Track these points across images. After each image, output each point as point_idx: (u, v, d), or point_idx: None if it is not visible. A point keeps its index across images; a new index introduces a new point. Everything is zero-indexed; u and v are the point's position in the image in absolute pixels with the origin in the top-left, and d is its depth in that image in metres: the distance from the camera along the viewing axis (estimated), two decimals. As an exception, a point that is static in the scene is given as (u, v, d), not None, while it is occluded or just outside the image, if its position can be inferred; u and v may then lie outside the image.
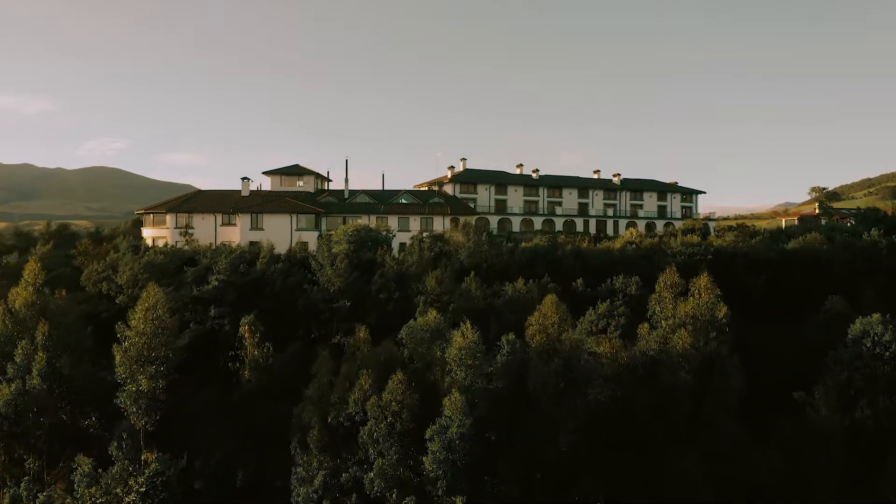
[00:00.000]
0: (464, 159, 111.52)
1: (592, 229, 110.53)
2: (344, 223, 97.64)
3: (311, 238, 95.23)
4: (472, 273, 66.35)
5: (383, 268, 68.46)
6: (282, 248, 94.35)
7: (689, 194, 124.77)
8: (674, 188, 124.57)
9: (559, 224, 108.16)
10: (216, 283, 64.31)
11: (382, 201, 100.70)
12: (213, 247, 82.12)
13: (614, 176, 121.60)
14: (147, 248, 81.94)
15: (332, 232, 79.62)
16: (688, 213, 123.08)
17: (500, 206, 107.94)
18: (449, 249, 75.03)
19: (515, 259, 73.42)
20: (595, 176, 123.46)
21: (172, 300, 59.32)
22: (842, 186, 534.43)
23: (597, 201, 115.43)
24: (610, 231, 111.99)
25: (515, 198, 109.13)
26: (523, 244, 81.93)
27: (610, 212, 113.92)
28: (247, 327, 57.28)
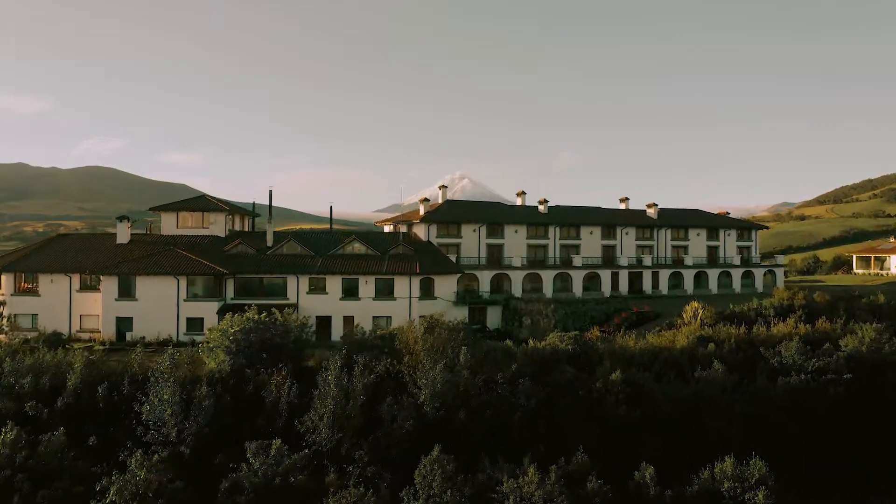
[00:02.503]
0: (443, 187, 76.53)
1: (623, 286, 75.37)
2: (261, 287, 62.67)
3: (208, 312, 60.52)
4: (437, 449, 32.10)
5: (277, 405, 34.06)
6: (164, 327, 59.99)
7: (746, 230, 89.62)
8: (726, 221, 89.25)
9: (578, 281, 73.00)
10: None
11: (322, 250, 65.70)
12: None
13: (648, 207, 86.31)
14: None
15: (210, 334, 44.80)
16: (745, 255, 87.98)
17: (495, 255, 72.85)
18: (401, 374, 40.10)
19: (518, 397, 38.48)
20: (622, 206, 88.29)
21: None
22: (843, 187, 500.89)
23: (627, 243, 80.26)
24: (646, 286, 76.84)
25: (516, 241, 73.93)
26: (531, 343, 47.44)
27: (646, 258, 78.57)
28: None
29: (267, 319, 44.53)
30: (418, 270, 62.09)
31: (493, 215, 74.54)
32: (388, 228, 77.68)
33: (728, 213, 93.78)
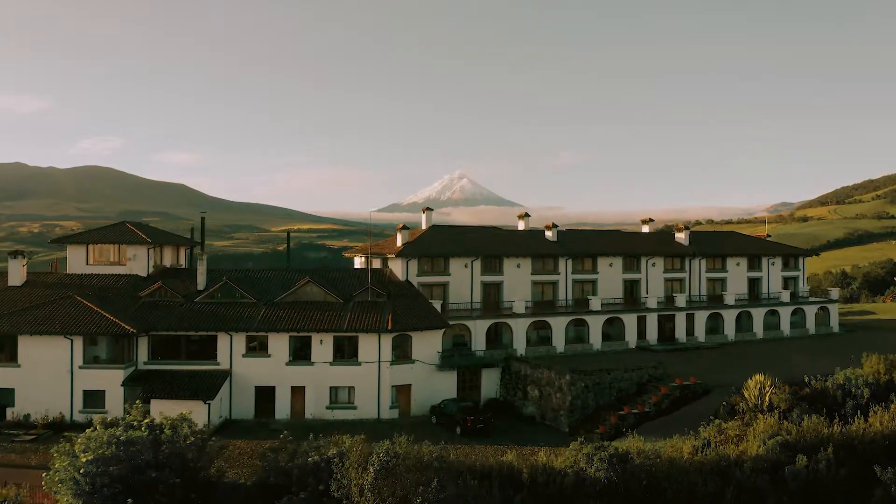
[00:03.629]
0: (428, 209, 60.11)
1: (650, 332, 59.33)
2: (185, 347, 46.90)
3: (112, 383, 44.87)
4: None
5: None
6: (55, 402, 44.55)
7: (793, 257, 73.55)
8: (769, 247, 73.10)
9: (595, 328, 56.91)
10: None
11: (267, 296, 49.72)
12: None
13: (678, 230, 70.01)
14: None
15: (56, 457, 28.85)
16: (792, 287, 71.96)
17: (492, 297, 56.73)
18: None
19: None
20: (646, 229, 72.06)
21: None
22: (844, 188, 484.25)
23: (654, 276, 64.19)
24: (679, 331, 60.77)
25: (518, 278, 57.79)
26: (541, 458, 31.84)
27: (679, 297, 62.26)
28: None
29: (144, 434, 28.53)
30: (391, 326, 46.00)
31: (490, 245, 58.32)
32: (359, 262, 61.48)
33: (768, 236, 77.56)
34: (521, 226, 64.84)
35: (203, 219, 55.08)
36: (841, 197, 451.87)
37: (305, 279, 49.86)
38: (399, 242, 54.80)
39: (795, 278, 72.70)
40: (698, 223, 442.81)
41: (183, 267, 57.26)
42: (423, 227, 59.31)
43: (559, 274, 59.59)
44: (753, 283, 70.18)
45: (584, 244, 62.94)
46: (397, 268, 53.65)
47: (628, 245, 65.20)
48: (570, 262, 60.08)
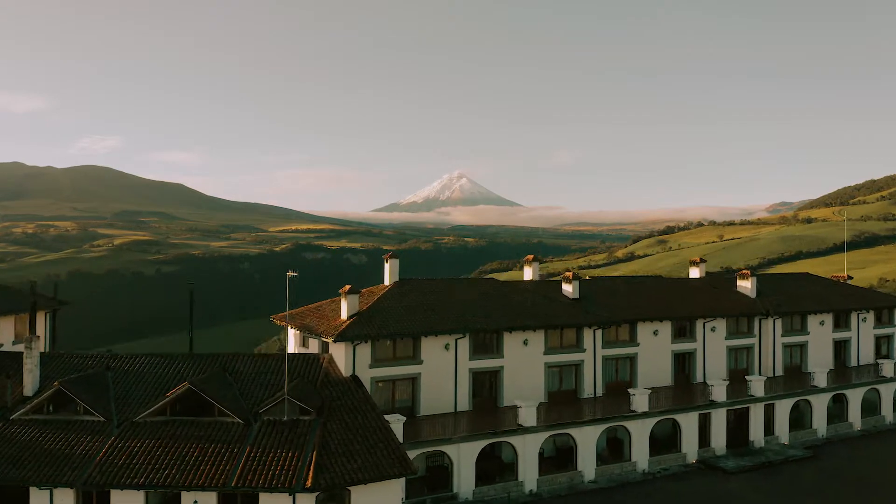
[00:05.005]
0: (392, 256, 39.59)
1: (717, 437, 39.48)
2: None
3: None
4: None
5: None
6: None
7: (887, 309, 53.60)
8: (854, 294, 53.09)
9: (640, 440, 36.95)
10: None
11: (126, 409, 29.84)
12: None
13: (741, 278, 49.79)
14: None
15: None
16: (886, 348, 52.22)
17: (486, 394, 36.78)
18: None
19: None
20: (695, 273, 51.85)
21: None
22: (846, 188, 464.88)
23: (714, 345, 44.44)
24: (757, 435, 40.84)
25: (524, 360, 37.85)
26: None
27: (753, 382, 42.03)
28: None
29: None
30: (311, 481, 26.13)
31: (483, 309, 38.20)
32: (293, 345, 41.07)
33: (849, 278, 57.46)
34: (527, 274, 44.71)
35: (33, 285, 34.58)
36: (843, 198, 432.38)
37: (183, 386, 29.85)
38: (344, 313, 34.70)
39: (890, 337, 52.87)
40: (700, 224, 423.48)
41: (23, 348, 37.05)
42: (386, 280, 39.20)
43: (584, 350, 39.67)
44: (840, 348, 50.36)
45: (618, 303, 42.86)
46: (340, 356, 33.61)
47: (676, 298, 45.21)
48: (599, 334, 40.16)
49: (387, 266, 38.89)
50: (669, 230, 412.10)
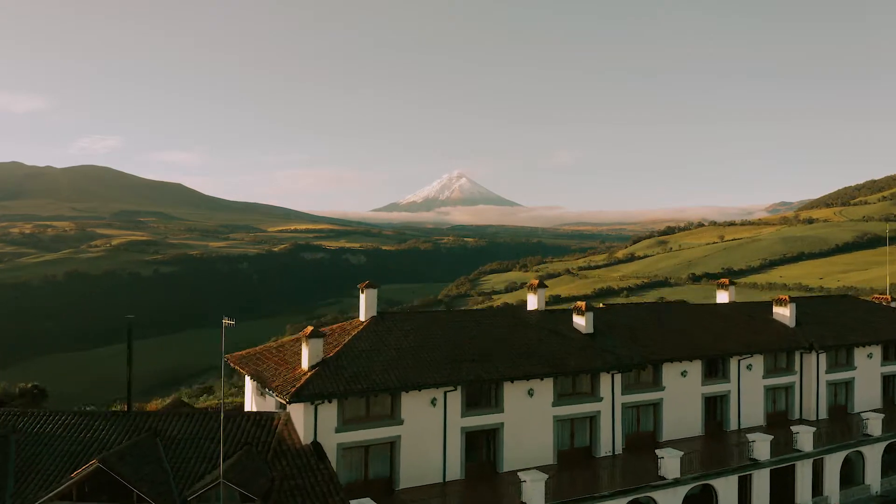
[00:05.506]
0: (369, 286, 32.45)
1: (759, 500, 32.46)
2: None
3: None
4: None
5: None
6: None
7: (940, 336, 46.43)
8: (903, 321, 46.01)
9: (669, 505, 29.96)
10: None
11: (27, 492, 22.72)
12: None
13: (778, 304, 42.62)
14: None
15: None
16: (940, 383, 45.17)
17: (481, 457, 29.68)
18: None
19: None
20: (724, 297, 44.50)
21: None
22: (846, 188, 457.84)
23: (750, 386, 37.48)
24: (805, 496, 33.72)
25: (529, 413, 30.42)
26: None
27: (801, 434, 34.96)
28: None
29: None
30: None
31: (479, 352, 31.12)
32: (250, 394, 33.71)
33: (894, 300, 50.31)
34: (531, 302, 37.54)
35: None
36: (844, 198, 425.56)
37: (93, 463, 22.81)
38: (305, 362, 27.59)
39: (944, 369, 45.74)
40: (700, 224, 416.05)
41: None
42: (362, 315, 31.96)
43: (601, 399, 32.59)
44: (888, 383, 43.34)
45: (639, 338, 35.73)
46: (299, 418, 26.53)
47: (706, 330, 38.10)
48: (619, 378, 33.10)
49: (362, 297, 31.74)
50: (670, 230, 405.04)
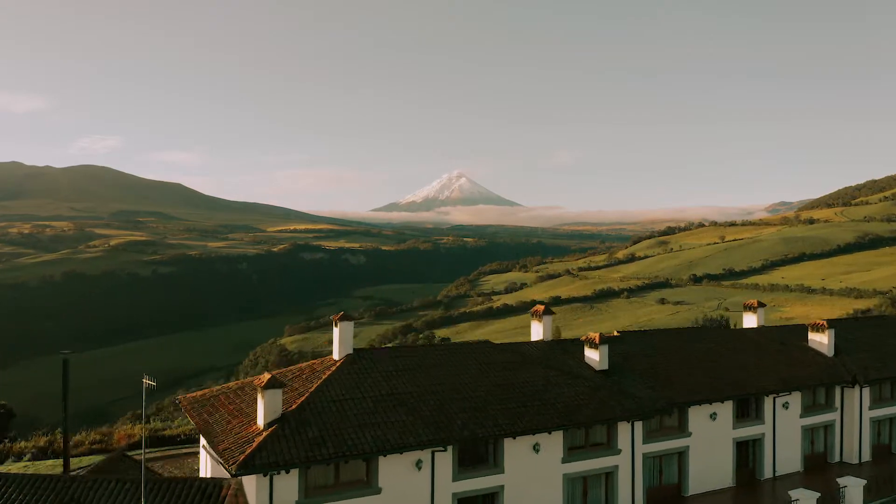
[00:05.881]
0: (344, 318, 27.21)
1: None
2: None
3: None
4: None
5: None
6: None
7: None
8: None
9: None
10: None
11: None
12: None
13: (814, 331, 37.35)
14: None
15: None
16: None
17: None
18: None
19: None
20: (751, 321, 39.27)
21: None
22: (847, 188, 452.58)
23: (786, 427, 32.37)
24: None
25: (533, 474, 25.22)
26: None
27: (849, 487, 29.97)
28: None
29: None
30: None
31: (473, 392, 25.95)
32: (206, 460, 28.55)
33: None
34: (535, 331, 32.27)
35: None
36: (845, 198, 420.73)
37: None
38: (261, 419, 22.34)
39: None
40: (700, 225, 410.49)
41: None
42: (336, 353, 26.69)
43: (619, 452, 27.39)
44: (936, 415, 38.12)
45: (660, 374, 30.48)
46: (251, 490, 21.30)
47: (735, 363, 32.84)
48: (639, 426, 27.89)
49: (335, 332, 26.50)
50: (670, 231, 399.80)
